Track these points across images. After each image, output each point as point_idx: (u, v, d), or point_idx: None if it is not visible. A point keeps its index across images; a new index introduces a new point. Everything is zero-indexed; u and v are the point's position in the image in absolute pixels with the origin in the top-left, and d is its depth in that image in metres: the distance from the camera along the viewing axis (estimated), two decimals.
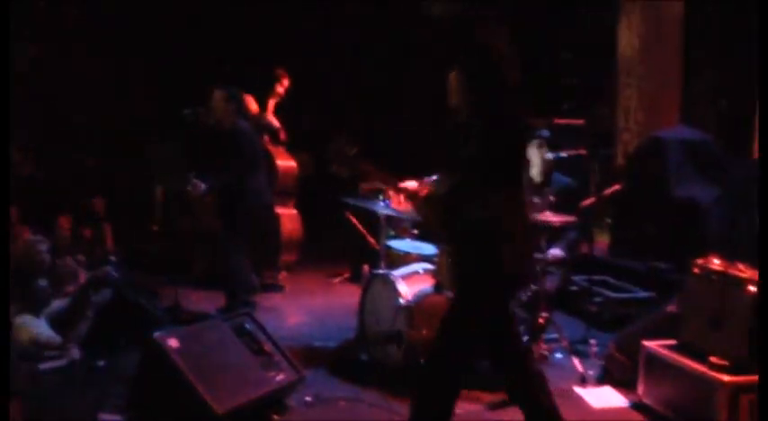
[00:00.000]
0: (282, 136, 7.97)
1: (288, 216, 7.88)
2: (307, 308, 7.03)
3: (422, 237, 6.01)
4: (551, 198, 5.40)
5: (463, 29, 4.02)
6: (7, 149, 3.95)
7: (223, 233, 6.56)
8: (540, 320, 5.29)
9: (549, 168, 5.75)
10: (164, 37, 9.44)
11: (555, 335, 5.52)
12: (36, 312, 5.52)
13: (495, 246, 3.59)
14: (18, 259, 5.94)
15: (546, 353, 5.37)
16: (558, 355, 5.45)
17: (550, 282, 5.44)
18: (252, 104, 7.69)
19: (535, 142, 5.74)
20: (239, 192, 6.38)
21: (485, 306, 3.71)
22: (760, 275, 4.03)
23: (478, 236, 3.61)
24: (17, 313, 5.45)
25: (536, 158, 5.75)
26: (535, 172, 5.79)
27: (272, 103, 7.93)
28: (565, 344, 5.45)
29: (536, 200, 5.45)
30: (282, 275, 7.83)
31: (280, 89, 7.90)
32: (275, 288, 7.62)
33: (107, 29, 9.28)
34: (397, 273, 5.35)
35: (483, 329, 3.75)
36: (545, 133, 5.79)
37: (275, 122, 7.92)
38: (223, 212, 6.57)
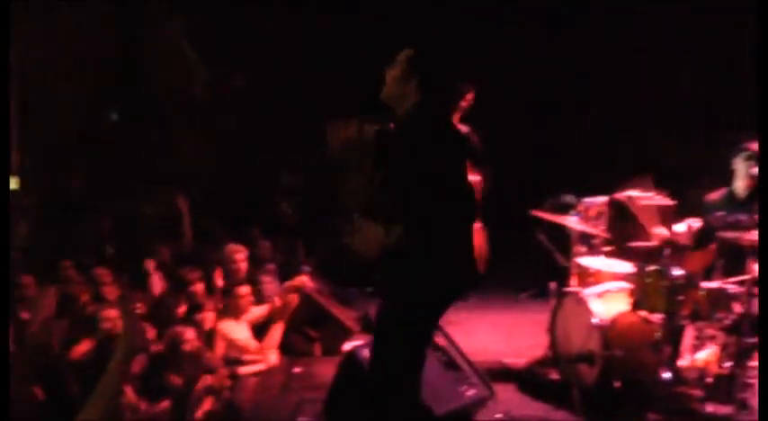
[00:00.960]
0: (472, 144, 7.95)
1: (474, 230, 7.84)
2: (493, 323, 6.98)
3: (615, 254, 5.81)
4: (758, 215, 5.05)
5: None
6: (8, 149, 4.11)
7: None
8: (746, 345, 4.96)
9: (755, 184, 5.38)
10: (347, 51, 9.72)
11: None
12: (237, 318, 5.79)
13: (431, 265, 3.56)
14: (220, 268, 6.31)
15: (752, 381, 5.02)
16: None
17: (757, 305, 5.07)
18: None
19: (742, 155, 5.39)
20: None
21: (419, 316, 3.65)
22: (760, 275, 3.93)
23: (414, 256, 3.54)
24: (219, 319, 5.75)
25: (742, 172, 5.40)
26: (740, 186, 5.44)
27: (456, 117, 7.95)
28: None
29: (742, 217, 5.13)
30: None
31: (464, 103, 7.89)
32: (460, 302, 7.60)
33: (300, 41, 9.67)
34: (589, 291, 5.21)
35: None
36: (755, 146, 5.43)
37: (463, 130, 7.92)
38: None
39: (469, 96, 7.86)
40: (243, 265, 6.32)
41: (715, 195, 5.62)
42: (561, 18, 10.03)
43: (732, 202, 5.43)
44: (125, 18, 10.41)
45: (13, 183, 11.42)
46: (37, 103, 11.10)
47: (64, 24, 10.13)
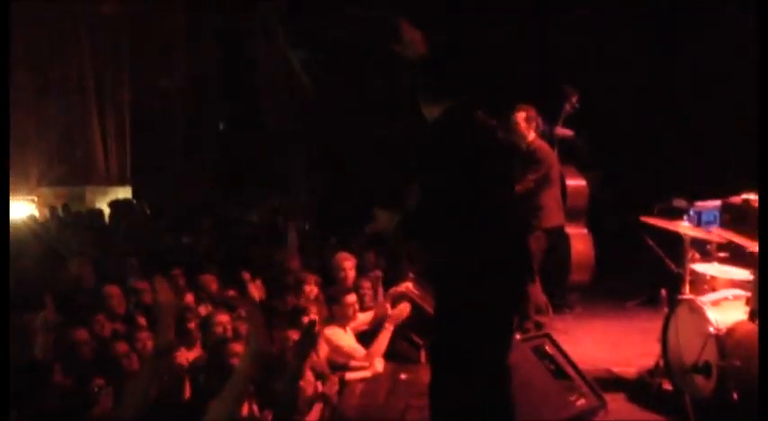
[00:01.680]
0: (579, 144, 7.79)
1: (578, 235, 7.71)
2: (601, 331, 6.83)
3: (732, 260, 5.59)
4: None
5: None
6: (7, 149, 4.14)
7: None
8: None
9: None
10: None
11: None
12: (343, 325, 5.84)
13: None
14: (329, 276, 6.38)
15: None
16: None
17: None
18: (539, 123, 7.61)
19: None
20: (533, 210, 6.38)
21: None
22: (760, 272, 3.89)
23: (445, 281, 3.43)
24: (326, 324, 5.80)
25: None
26: None
27: (560, 121, 7.84)
28: None
29: None
30: (574, 297, 7.68)
31: (568, 107, 7.79)
32: (566, 309, 7.48)
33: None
34: (705, 298, 5.04)
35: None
36: None
37: (568, 133, 7.78)
38: None
39: (574, 99, 7.77)
40: (351, 274, 6.38)
41: None
42: (662, 19, 9.77)
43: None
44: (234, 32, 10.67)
45: (127, 192, 11.92)
46: (148, 114, 11.53)
47: (176, 40, 10.47)
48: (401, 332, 6.03)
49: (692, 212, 6.44)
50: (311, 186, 10.84)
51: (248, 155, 11.40)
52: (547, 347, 4.68)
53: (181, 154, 11.66)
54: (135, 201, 11.09)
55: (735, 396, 4.68)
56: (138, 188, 11.85)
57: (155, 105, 11.54)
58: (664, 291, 6.14)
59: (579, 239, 7.71)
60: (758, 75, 4.51)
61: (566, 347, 5.19)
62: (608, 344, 6.45)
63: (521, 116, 6.54)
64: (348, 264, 6.28)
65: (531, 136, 6.59)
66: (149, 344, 4.47)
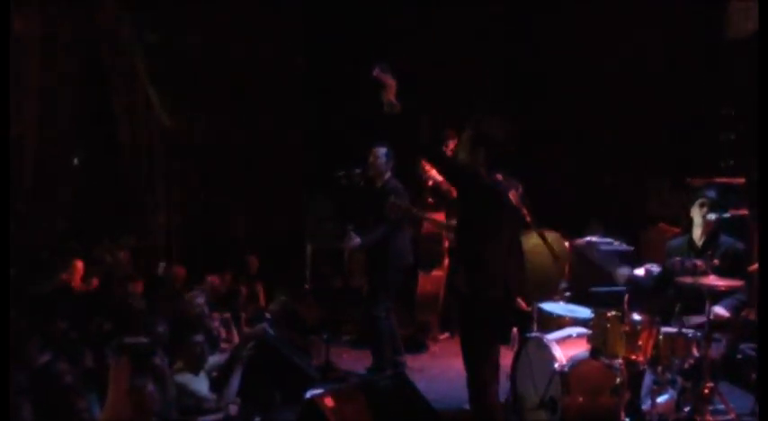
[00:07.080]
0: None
1: (431, 277, 7.72)
2: (455, 369, 6.87)
3: (575, 300, 5.85)
4: (716, 261, 5.14)
5: None
6: (7, 152, 4.04)
7: (370, 292, 6.61)
8: (705, 390, 5.00)
9: (711, 230, 5.50)
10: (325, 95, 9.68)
11: (721, 407, 5.19)
12: (196, 370, 5.64)
13: None
14: (179, 315, 6.19)
15: None
16: None
17: (715, 350, 5.13)
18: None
19: (697, 202, 5.51)
20: (385, 251, 6.44)
21: None
22: (760, 275, 4.04)
23: None
24: (179, 371, 5.59)
25: (698, 219, 5.52)
26: (697, 234, 5.56)
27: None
28: (732, 416, 5.11)
29: (699, 263, 5.21)
30: (429, 336, 7.76)
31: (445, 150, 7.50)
32: (421, 348, 7.55)
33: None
34: (551, 336, 5.23)
35: None
36: (711, 193, 5.56)
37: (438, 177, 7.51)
38: (372, 271, 6.63)
39: (452, 144, 7.41)
40: (202, 310, 6.25)
41: (676, 241, 5.75)
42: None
43: (691, 249, 5.54)
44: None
45: None
46: None
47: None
48: (257, 374, 5.92)
49: None
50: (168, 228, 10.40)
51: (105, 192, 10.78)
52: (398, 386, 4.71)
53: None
54: None
55: None
56: None
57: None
58: (515, 329, 6.33)
59: (431, 281, 7.71)
60: (758, 74, 4.72)
61: (421, 386, 5.25)
62: (462, 382, 6.50)
63: (379, 153, 6.51)
64: (199, 300, 6.14)
65: (386, 175, 6.58)
66: None
